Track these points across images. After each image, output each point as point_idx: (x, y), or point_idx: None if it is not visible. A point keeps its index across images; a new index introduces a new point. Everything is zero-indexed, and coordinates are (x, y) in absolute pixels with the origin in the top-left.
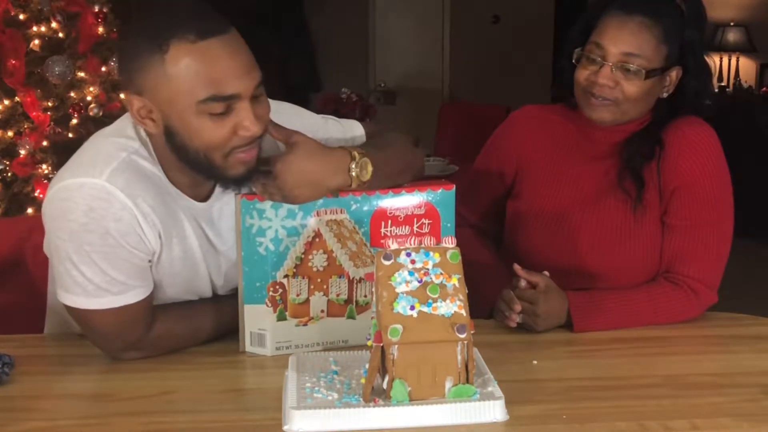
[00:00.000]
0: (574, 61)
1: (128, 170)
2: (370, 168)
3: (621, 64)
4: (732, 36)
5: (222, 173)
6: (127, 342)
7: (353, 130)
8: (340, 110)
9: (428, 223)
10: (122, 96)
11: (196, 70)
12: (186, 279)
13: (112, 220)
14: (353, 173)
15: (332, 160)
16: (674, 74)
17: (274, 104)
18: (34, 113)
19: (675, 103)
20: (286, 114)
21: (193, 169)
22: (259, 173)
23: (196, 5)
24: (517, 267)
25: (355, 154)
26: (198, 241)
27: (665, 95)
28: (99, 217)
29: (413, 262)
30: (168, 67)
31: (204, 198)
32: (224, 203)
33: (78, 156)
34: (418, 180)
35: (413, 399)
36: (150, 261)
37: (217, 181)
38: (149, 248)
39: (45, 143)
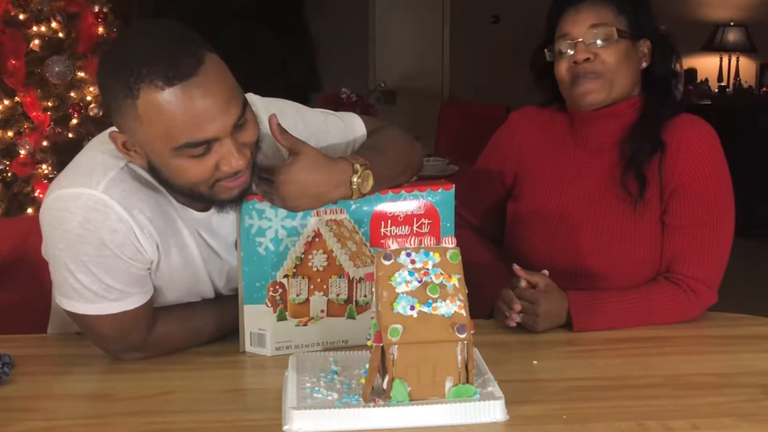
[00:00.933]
0: (548, 59)
1: (125, 180)
2: (371, 180)
3: (591, 36)
4: (732, 36)
5: (212, 199)
6: (129, 344)
7: (354, 130)
8: (339, 110)
9: (428, 223)
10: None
11: (168, 118)
12: (186, 285)
13: (107, 232)
14: (354, 186)
15: (334, 173)
16: (645, 47)
17: (276, 103)
18: (34, 113)
19: (651, 77)
20: (289, 116)
21: (185, 197)
22: (261, 180)
23: (166, 45)
24: (516, 267)
25: (357, 166)
26: (198, 249)
27: (645, 65)
28: (95, 228)
29: (413, 262)
30: (140, 113)
31: (203, 208)
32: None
33: (75, 163)
34: (416, 175)
35: (413, 399)
36: (149, 269)
37: (210, 204)
38: (146, 258)
39: (45, 143)
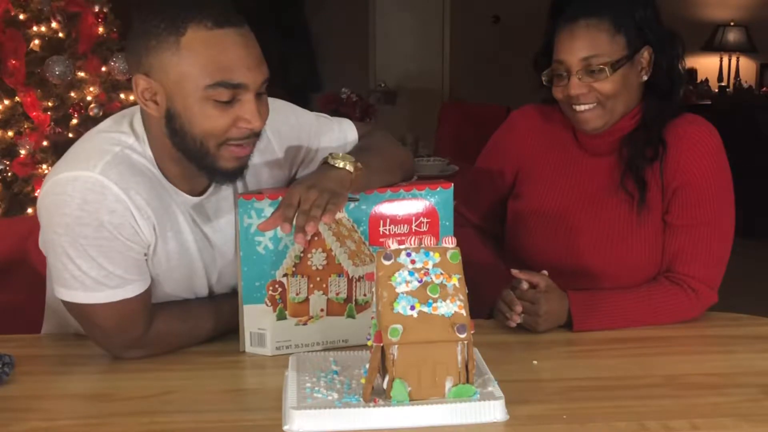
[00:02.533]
0: (546, 83)
1: (122, 164)
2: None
3: (584, 69)
4: (732, 36)
5: (214, 163)
6: (128, 339)
7: (346, 135)
8: (340, 110)
9: (427, 222)
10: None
11: (209, 56)
12: (183, 275)
13: (105, 213)
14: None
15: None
16: (646, 56)
17: (270, 102)
18: (34, 113)
19: (653, 83)
20: (282, 113)
21: (187, 156)
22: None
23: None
24: (515, 272)
25: (346, 163)
26: (193, 235)
27: (645, 78)
28: (93, 209)
29: (413, 262)
30: (182, 49)
31: (199, 193)
32: (221, 198)
33: (72, 151)
34: (408, 179)
35: (413, 399)
36: (146, 254)
37: (208, 173)
38: (144, 240)
39: (45, 143)
